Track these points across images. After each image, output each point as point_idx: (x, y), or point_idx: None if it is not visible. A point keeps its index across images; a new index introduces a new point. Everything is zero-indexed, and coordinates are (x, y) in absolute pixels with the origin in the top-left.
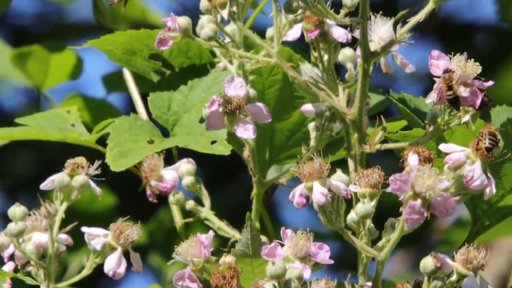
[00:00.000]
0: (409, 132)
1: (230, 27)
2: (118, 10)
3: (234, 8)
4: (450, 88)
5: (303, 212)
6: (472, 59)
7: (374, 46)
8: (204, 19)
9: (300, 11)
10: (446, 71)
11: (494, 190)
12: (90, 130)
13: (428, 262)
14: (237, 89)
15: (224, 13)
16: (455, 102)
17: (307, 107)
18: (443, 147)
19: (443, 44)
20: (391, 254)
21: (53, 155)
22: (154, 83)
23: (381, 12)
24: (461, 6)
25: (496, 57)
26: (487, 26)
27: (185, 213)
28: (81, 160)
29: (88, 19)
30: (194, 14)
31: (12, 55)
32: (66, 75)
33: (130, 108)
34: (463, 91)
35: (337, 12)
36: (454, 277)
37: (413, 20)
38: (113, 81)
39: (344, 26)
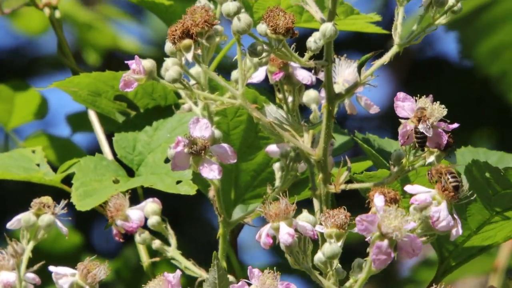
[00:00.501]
0: (374, 173)
1: (195, 69)
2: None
3: (199, 51)
4: (419, 128)
5: (270, 251)
6: (438, 102)
7: (338, 88)
8: (169, 62)
9: (264, 54)
10: (420, 108)
11: (460, 231)
12: (55, 169)
13: None
14: (202, 130)
15: (189, 56)
16: (423, 143)
17: (272, 148)
18: (408, 188)
19: (405, 80)
20: None
21: (18, 194)
22: (119, 123)
23: (345, 55)
24: (423, 44)
25: (459, 95)
26: (449, 64)
27: (152, 252)
28: (47, 199)
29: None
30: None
31: None
32: (31, 114)
33: (95, 148)
34: (429, 132)
35: (302, 55)
36: None
37: (377, 63)
38: (78, 121)
39: (309, 68)
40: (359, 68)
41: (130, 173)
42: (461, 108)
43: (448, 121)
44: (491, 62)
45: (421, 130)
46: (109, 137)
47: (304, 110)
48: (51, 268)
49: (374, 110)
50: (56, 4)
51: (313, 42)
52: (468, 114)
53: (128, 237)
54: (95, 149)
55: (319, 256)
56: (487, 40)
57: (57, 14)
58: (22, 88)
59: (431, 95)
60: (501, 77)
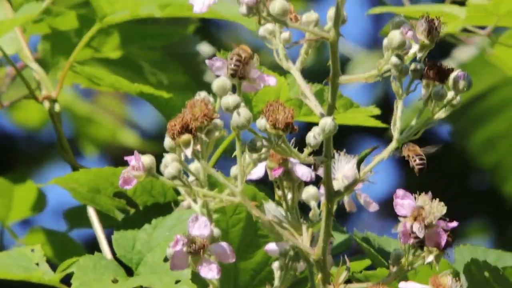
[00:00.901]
0: (373, 272)
1: (194, 165)
2: (86, 131)
3: (198, 147)
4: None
5: None
6: (437, 199)
7: (337, 184)
8: (168, 158)
9: (264, 150)
10: (417, 207)
11: None
12: (53, 265)
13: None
14: (201, 228)
15: (188, 152)
16: (421, 242)
17: (271, 246)
18: (403, 285)
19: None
20: None
21: None
22: (118, 220)
23: (344, 150)
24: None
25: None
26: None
27: None
28: None
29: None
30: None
31: None
32: (29, 209)
33: (93, 243)
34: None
35: (301, 150)
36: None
37: (376, 159)
38: (76, 216)
39: (308, 164)
40: (358, 164)
41: (129, 272)
42: (458, 199)
43: (448, 219)
44: (485, 152)
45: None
46: (108, 233)
47: (303, 207)
48: None
49: (373, 208)
50: (56, 97)
51: (313, 137)
52: (464, 205)
53: None
54: (93, 245)
55: None
56: (482, 130)
57: (57, 107)
58: (20, 181)
59: (430, 192)
60: (495, 168)
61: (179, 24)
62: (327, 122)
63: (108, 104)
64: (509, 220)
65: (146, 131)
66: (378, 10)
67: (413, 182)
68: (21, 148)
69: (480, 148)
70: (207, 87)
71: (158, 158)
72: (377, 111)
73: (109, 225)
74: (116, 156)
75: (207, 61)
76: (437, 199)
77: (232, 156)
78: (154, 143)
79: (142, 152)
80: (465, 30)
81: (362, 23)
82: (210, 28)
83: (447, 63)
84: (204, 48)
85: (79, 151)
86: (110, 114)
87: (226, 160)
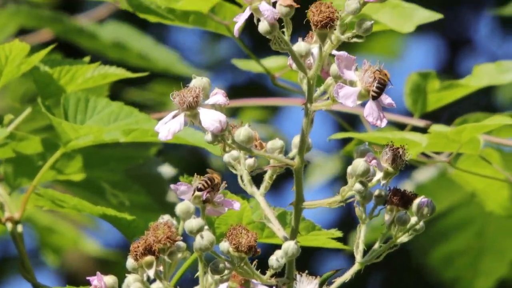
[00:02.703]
0: None
1: (156, 285)
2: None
3: (161, 268)
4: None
5: None
6: None
7: None
8: (130, 278)
9: (226, 271)
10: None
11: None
12: None
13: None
14: None
15: (151, 273)
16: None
17: None
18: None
19: None
20: None
21: None
22: None
23: (306, 271)
24: None
25: None
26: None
27: None
28: None
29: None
30: None
31: None
32: None
33: None
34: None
35: (263, 271)
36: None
37: (338, 280)
38: None
39: (270, 286)
40: (321, 286)
41: None
42: None
43: None
44: (444, 269)
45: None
46: None
47: None
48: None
49: None
50: (19, 219)
51: (275, 260)
52: None
53: None
54: None
55: None
56: (441, 247)
57: (19, 228)
58: None
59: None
60: (454, 284)
61: (141, 146)
62: (290, 246)
63: (69, 213)
64: None
65: (108, 240)
66: (340, 135)
67: None
68: None
69: (439, 265)
70: (170, 208)
71: (119, 266)
72: (338, 233)
73: None
74: (77, 267)
75: (171, 186)
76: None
77: (195, 276)
78: (115, 251)
79: (103, 262)
80: (425, 154)
81: (322, 130)
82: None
83: (407, 184)
84: (166, 170)
85: (41, 261)
86: (71, 223)
87: (187, 281)
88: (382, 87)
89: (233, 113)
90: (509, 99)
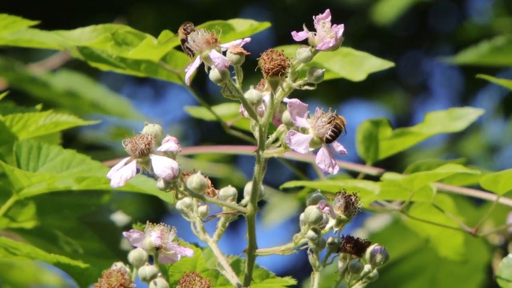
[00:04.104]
0: None
1: None
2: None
3: None
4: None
5: None
6: None
7: None
8: None
9: None
10: None
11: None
12: None
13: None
14: None
15: None
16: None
17: None
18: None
19: None
20: None
21: None
22: None
23: None
24: None
25: None
26: None
27: None
28: None
29: None
30: None
31: None
32: None
33: None
34: None
35: None
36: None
37: None
38: None
39: None
40: None
41: None
42: None
43: None
44: None
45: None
46: None
47: None
48: None
49: None
50: None
51: None
52: None
53: None
54: None
55: None
56: None
57: None
58: None
59: None
60: None
61: (95, 194)
62: None
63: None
64: None
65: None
66: (292, 183)
67: None
68: None
69: None
70: (123, 255)
71: None
72: (293, 281)
73: None
74: None
75: (124, 233)
76: None
77: None
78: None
79: None
80: (378, 202)
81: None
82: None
83: (360, 232)
84: (119, 217)
85: None
86: None
87: None
88: (337, 132)
89: (189, 154)
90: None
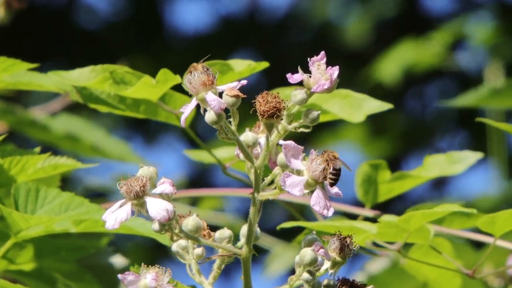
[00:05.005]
0: None
1: None
2: None
3: None
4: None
5: None
6: None
7: None
8: None
9: None
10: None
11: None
12: None
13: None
14: None
15: None
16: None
17: None
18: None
19: None
20: None
21: None
22: None
23: None
24: None
25: None
26: None
27: None
28: None
29: None
30: None
31: None
32: None
33: None
34: None
35: None
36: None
37: None
38: None
39: None
40: None
41: None
42: None
43: None
44: None
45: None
46: None
47: None
48: None
49: None
50: None
51: None
52: None
53: None
54: None
55: None
56: None
57: None
58: None
59: None
60: None
61: (93, 236)
62: None
63: None
64: None
65: None
66: (289, 224)
67: None
68: None
69: None
70: None
71: None
72: None
73: None
74: None
75: (119, 276)
76: None
77: None
78: None
79: None
80: (375, 243)
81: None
82: None
83: (359, 275)
84: (118, 260)
85: None
86: None
87: None
88: (338, 174)
89: (192, 202)
90: None
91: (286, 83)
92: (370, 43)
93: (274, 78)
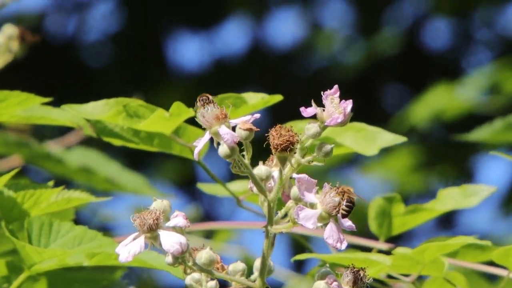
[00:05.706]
0: None
1: None
2: None
3: None
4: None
5: None
6: None
7: None
8: None
9: None
10: None
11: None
12: None
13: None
14: None
15: None
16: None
17: None
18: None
19: None
20: None
21: None
22: None
23: None
24: None
25: None
26: None
27: None
28: None
29: None
30: None
31: None
32: None
33: None
34: None
35: None
36: None
37: None
38: None
39: None
40: None
41: None
42: None
43: None
44: None
45: None
46: None
47: None
48: None
49: None
50: None
51: None
52: None
53: None
54: None
55: None
56: None
57: None
58: None
59: None
60: None
61: (107, 269)
62: None
63: None
64: None
65: None
66: (303, 256)
67: None
68: None
69: None
70: None
71: None
72: None
73: None
74: None
75: None
76: None
77: None
78: None
79: None
80: (389, 276)
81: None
82: None
83: None
84: None
85: None
86: None
87: None
88: (351, 206)
89: (207, 235)
90: None
91: (292, 118)
92: (370, 79)
93: (279, 113)
